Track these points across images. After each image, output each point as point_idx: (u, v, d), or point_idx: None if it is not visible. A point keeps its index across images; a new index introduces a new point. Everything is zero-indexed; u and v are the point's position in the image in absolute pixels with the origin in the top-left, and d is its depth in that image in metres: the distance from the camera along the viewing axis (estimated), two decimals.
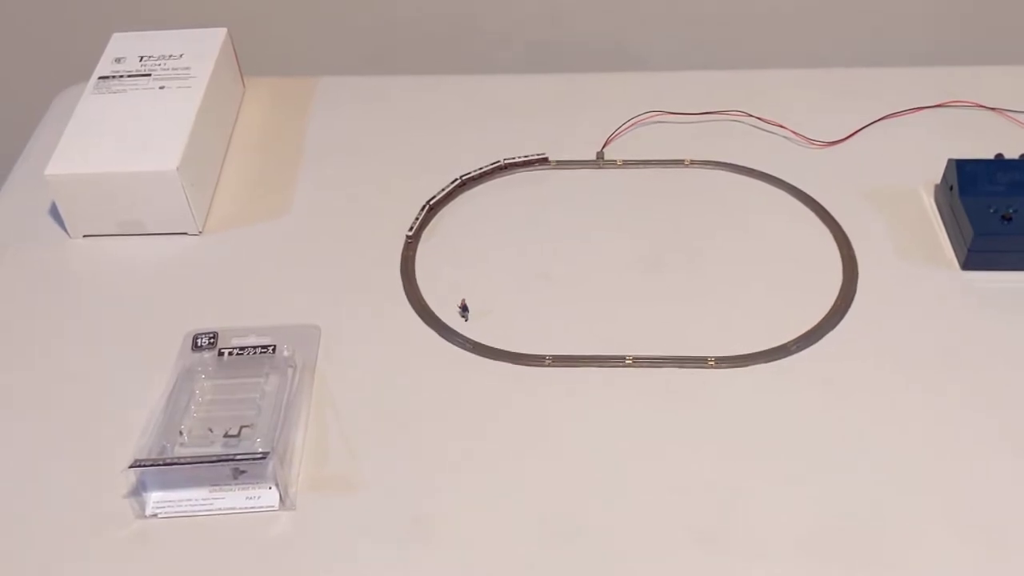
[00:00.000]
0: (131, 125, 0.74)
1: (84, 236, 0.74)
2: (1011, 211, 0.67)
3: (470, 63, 1.06)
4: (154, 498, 0.57)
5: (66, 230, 0.74)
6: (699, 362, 0.64)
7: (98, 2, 1.07)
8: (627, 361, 0.64)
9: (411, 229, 0.74)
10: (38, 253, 0.74)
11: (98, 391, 0.64)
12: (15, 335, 0.68)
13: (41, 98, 0.91)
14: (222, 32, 0.83)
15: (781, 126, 0.79)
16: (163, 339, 0.67)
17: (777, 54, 1.02)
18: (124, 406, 0.63)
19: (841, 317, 0.66)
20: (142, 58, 0.80)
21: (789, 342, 0.64)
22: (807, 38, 1.01)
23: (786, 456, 0.59)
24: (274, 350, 0.65)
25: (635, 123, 0.81)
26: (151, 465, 0.55)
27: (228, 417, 0.60)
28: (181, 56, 0.80)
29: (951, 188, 0.71)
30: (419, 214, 0.74)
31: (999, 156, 0.72)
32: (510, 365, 0.64)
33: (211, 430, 0.59)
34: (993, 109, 0.80)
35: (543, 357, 0.64)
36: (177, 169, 0.70)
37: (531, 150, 0.79)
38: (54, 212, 0.76)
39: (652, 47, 1.03)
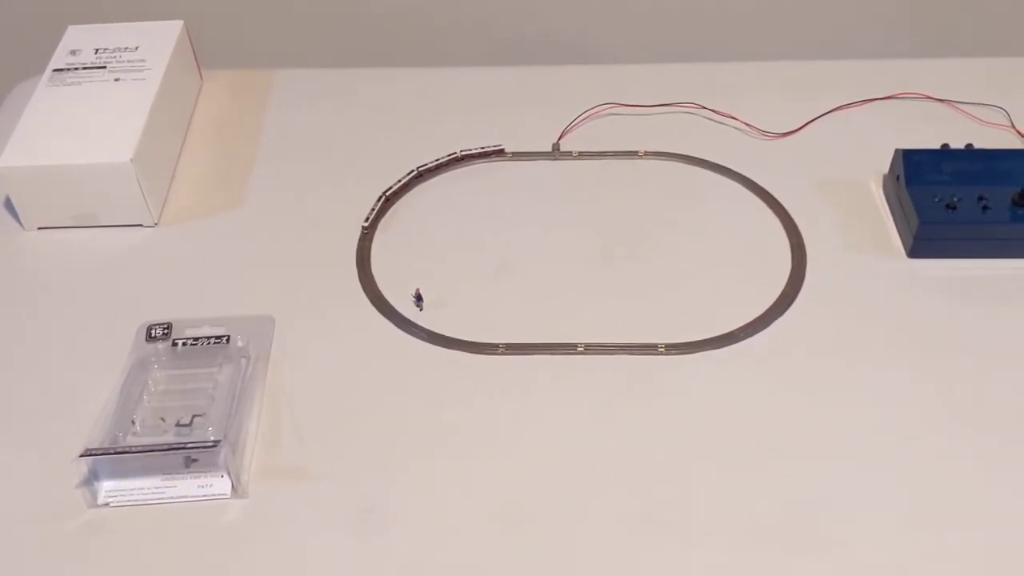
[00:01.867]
0: (85, 118, 0.74)
1: (39, 228, 0.74)
2: (956, 200, 0.69)
3: (427, 56, 1.06)
4: (106, 487, 0.57)
5: (20, 222, 0.74)
6: (649, 349, 0.64)
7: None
8: (579, 348, 0.65)
9: (367, 220, 0.74)
10: None
11: (51, 383, 0.64)
12: None
13: None
14: (178, 24, 0.83)
15: (733, 118, 0.81)
16: (117, 331, 0.67)
17: (730, 48, 1.03)
18: (77, 398, 0.63)
19: (789, 304, 0.67)
20: (97, 50, 0.80)
21: (737, 329, 0.65)
22: (760, 31, 1.03)
23: (735, 441, 0.59)
24: (228, 340, 0.65)
25: (590, 115, 0.82)
26: (102, 454, 0.56)
27: (181, 407, 0.60)
28: (137, 48, 0.80)
29: (898, 178, 0.72)
30: (375, 205, 0.75)
31: (945, 146, 0.73)
32: (464, 354, 0.65)
33: (163, 419, 0.59)
34: (942, 101, 0.82)
35: (496, 345, 0.65)
36: (131, 161, 0.70)
37: (488, 142, 0.80)
38: (8, 204, 0.76)
39: (607, 41, 1.04)
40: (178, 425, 0.59)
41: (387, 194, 0.76)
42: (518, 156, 0.79)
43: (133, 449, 0.56)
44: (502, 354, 0.65)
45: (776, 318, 0.66)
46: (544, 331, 0.66)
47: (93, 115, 0.74)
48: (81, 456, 0.56)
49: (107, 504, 0.57)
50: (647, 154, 0.79)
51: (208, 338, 0.65)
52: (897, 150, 0.73)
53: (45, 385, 0.64)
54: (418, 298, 0.68)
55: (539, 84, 0.86)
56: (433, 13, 1.03)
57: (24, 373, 0.65)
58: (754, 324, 0.66)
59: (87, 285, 0.70)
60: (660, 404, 0.62)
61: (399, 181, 0.77)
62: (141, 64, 0.78)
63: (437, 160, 0.78)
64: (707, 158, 0.78)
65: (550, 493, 0.57)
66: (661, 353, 0.64)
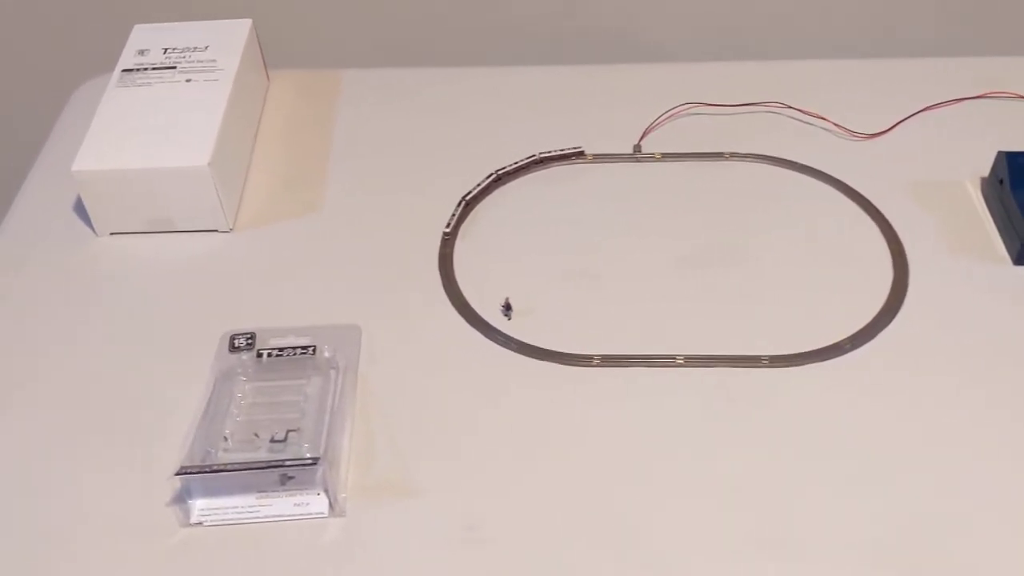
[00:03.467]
0: (158, 119, 0.72)
1: (111, 234, 0.72)
2: None
3: (485, 56, 1.03)
4: (199, 506, 0.55)
5: (92, 228, 0.72)
6: (752, 361, 0.62)
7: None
8: (678, 360, 0.62)
9: (448, 225, 0.72)
10: (64, 252, 0.71)
11: (133, 396, 0.62)
12: (43, 339, 0.66)
13: (58, 92, 0.89)
14: (247, 24, 0.81)
15: (822, 118, 0.78)
16: (198, 340, 0.65)
17: (807, 45, 1.00)
18: (160, 410, 0.61)
19: (894, 314, 0.65)
20: (166, 50, 0.78)
21: (843, 340, 0.63)
22: (838, 28, 1.00)
23: (844, 458, 0.57)
24: (314, 351, 0.63)
25: (672, 115, 0.79)
26: (199, 472, 0.54)
27: (272, 421, 0.58)
28: (206, 48, 0.78)
29: (1001, 182, 0.69)
30: (455, 210, 0.73)
31: None
32: (557, 365, 0.63)
33: (257, 435, 0.57)
34: None
35: (591, 357, 0.63)
36: (209, 164, 0.68)
37: (563, 143, 0.77)
38: (79, 209, 0.74)
39: (680, 39, 1.01)
40: (272, 441, 0.56)
41: (467, 199, 0.74)
42: (599, 158, 0.77)
43: (230, 467, 0.54)
44: (597, 366, 0.62)
45: (882, 328, 0.64)
46: (639, 342, 0.64)
47: (166, 117, 0.72)
48: (177, 474, 0.54)
49: (200, 523, 0.55)
50: (733, 156, 0.76)
51: (294, 348, 0.63)
52: (1000, 153, 0.70)
53: (126, 398, 0.62)
54: (507, 307, 0.66)
55: (615, 83, 0.83)
56: (500, 9, 1.01)
57: (103, 387, 0.63)
58: (860, 335, 0.63)
59: (164, 293, 0.68)
60: (766, 419, 0.59)
61: (479, 185, 0.74)
62: (212, 64, 0.76)
63: (516, 163, 0.76)
64: (796, 160, 0.75)
65: (654, 511, 0.55)
66: (765, 365, 0.62)
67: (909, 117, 0.78)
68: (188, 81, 0.75)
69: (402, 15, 1.01)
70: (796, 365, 0.62)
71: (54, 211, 0.74)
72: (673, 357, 0.62)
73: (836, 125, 0.77)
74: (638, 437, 0.59)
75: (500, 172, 0.76)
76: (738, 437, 0.58)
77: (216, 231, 0.72)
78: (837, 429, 0.58)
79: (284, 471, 0.54)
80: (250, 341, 0.64)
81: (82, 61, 1.00)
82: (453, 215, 0.72)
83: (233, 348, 0.64)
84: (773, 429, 0.59)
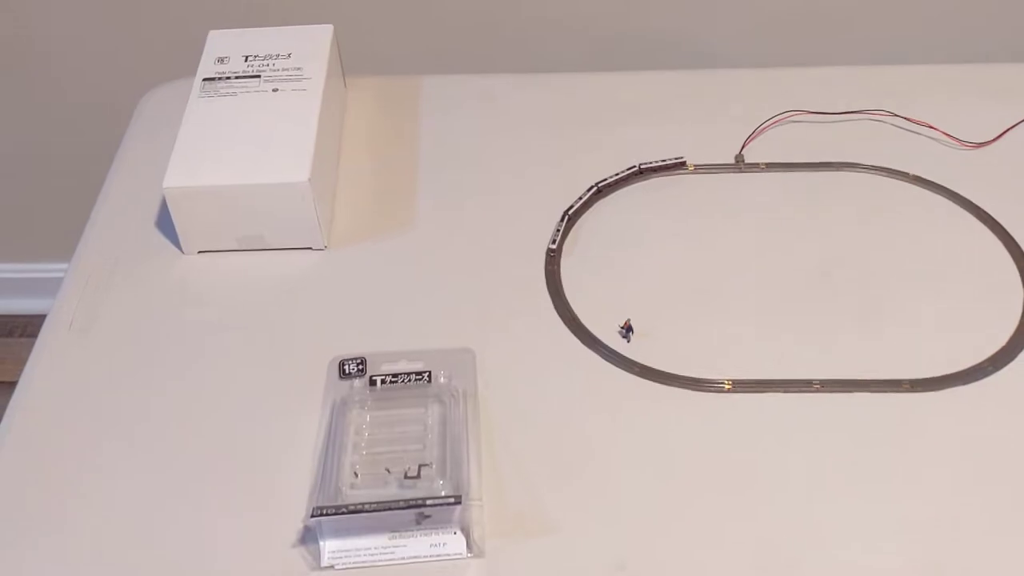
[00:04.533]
0: (248, 132, 0.68)
1: (199, 252, 0.69)
2: None
3: (569, 60, 1.00)
4: (330, 547, 0.52)
5: (178, 246, 0.69)
6: (893, 386, 0.59)
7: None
8: (815, 386, 0.59)
9: (553, 241, 0.69)
10: (151, 272, 0.68)
11: (242, 428, 0.59)
12: (138, 371, 0.62)
13: (120, 100, 0.85)
14: (328, 29, 0.77)
15: (929, 126, 0.75)
16: (303, 366, 0.62)
17: (911, 49, 0.97)
18: (273, 442, 0.58)
19: None
20: (247, 58, 0.74)
21: (983, 362, 0.60)
22: (940, 32, 0.97)
23: (1001, 485, 0.55)
24: (429, 377, 0.60)
25: (773, 123, 0.76)
26: (335, 513, 0.51)
27: (399, 454, 0.55)
28: (290, 55, 0.74)
29: None
30: (559, 225, 0.70)
31: None
32: (686, 391, 0.60)
33: (388, 470, 0.54)
34: None
35: (721, 382, 0.60)
36: (309, 180, 0.65)
37: (662, 152, 0.74)
38: (162, 226, 0.70)
39: (779, 44, 0.98)
40: (406, 477, 0.53)
41: (569, 213, 0.71)
42: (700, 169, 0.74)
43: (368, 507, 0.51)
44: (729, 392, 0.60)
45: (1022, 347, 0.61)
46: (769, 365, 0.61)
47: (256, 129, 0.68)
48: (313, 516, 0.50)
49: (332, 566, 0.52)
50: (842, 166, 0.73)
51: (408, 374, 0.60)
52: None
53: (235, 431, 0.59)
54: (628, 329, 0.63)
55: (712, 89, 0.80)
56: (588, 14, 0.97)
57: (209, 419, 0.60)
58: (1001, 355, 0.61)
59: (261, 315, 0.65)
60: (913, 447, 0.57)
61: (580, 199, 0.71)
62: (298, 73, 0.73)
63: (617, 174, 0.73)
64: (906, 170, 0.73)
65: (807, 548, 0.53)
66: (907, 390, 0.59)
67: (1019, 124, 0.75)
68: (275, 91, 0.71)
69: (478, 18, 0.98)
70: (939, 389, 0.59)
71: (135, 228, 0.71)
72: (809, 382, 0.60)
73: (944, 134, 0.75)
74: (778, 468, 0.56)
75: (600, 184, 0.73)
76: (885, 467, 0.56)
77: (310, 248, 0.69)
78: (991, 456, 0.56)
79: (423, 510, 0.51)
80: (361, 367, 0.61)
81: (145, 68, 0.97)
82: (557, 230, 0.69)
83: (344, 374, 0.60)
84: (922, 457, 0.56)
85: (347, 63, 0.82)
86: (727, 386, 0.60)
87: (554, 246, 0.69)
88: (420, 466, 0.54)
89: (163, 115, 0.76)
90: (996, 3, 0.97)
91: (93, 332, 0.64)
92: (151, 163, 0.71)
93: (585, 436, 0.58)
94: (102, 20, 1.03)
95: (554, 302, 0.65)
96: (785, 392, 0.59)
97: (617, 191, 0.73)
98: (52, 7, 1.04)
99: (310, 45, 0.75)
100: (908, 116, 0.76)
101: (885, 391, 0.59)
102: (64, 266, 0.71)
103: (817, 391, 0.59)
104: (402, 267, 0.68)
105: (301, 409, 0.59)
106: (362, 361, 0.61)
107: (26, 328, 1.31)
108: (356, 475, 0.54)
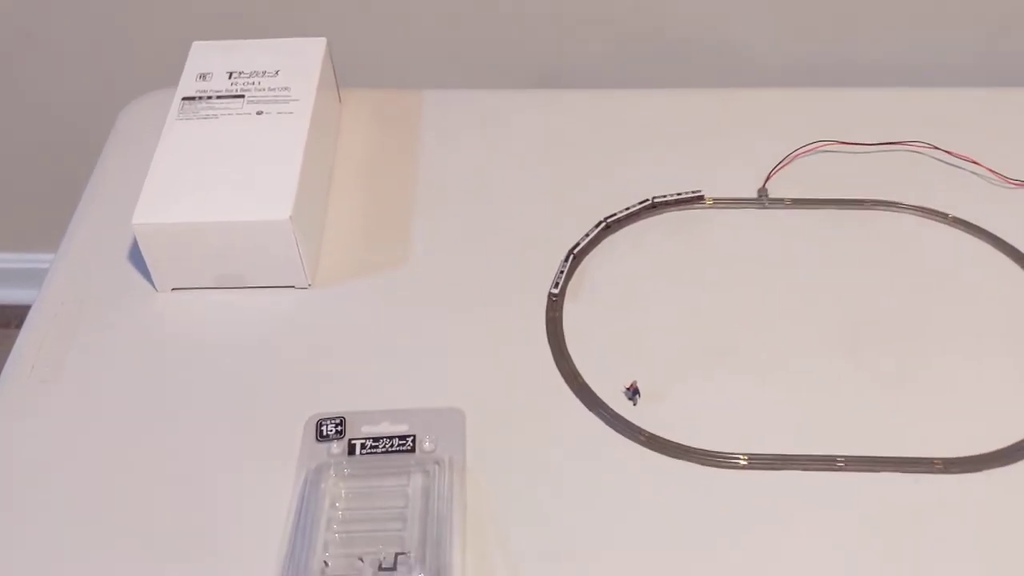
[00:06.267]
0: (228, 161, 0.63)
1: (173, 289, 0.64)
2: None
3: (579, 75, 0.93)
4: None
5: (152, 282, 0.64)
6: (924, 465, 0.54)
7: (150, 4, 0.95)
8: (839, 463, 0.54)
9: (555, 285, 0.63)
10: (120, 310, 0.63)
11: (206, 490, 0.54)
12: (102, 412, 0.58)
13: (101, 113, 0.80)
14: (321, 43, 0.71)
15: (974, 162, 0.69)
16: (278, 419, 0.57)
17: (954, 71, 0.90)
18: (240, 509, 0.53)
19: None
20: (232, 74, 0.69)
21: None
22: (982, 52, 0.90)
23: None
24: (413, 441, 0.55)
25: (801, 154, 0.70)
26: None
27: (373, 535, 0.50)
28: (277, 73, 0.68)
29: None
30: (562, 266, 0.64)
31: None
32: (696, 466, 0.54)
33: (361, 560, 0.49)
34: None
35: (737, 457, 0.54)
36: (290, 218, 0.60)
37: (678, 184, 0.69)
38: (134, 258, 0.65)
39: (810, 59, 0.90)
40: (380, 568, 0.48)
41: (574, 252, 0.65)
42: (720, 203, 0.68)
43: None
44: (745, 468, 0.54)
45: None
46: (790, 439, 0.55)
47: (236, 159, 0.63)
48: None
49: None
50: (875, 204, 0.67)
51: (390, 438, 0.55)
52: None
53: (197, 493, 0.54)
54: (634, 391, 0.57)
55: (732, 111, 0.74)
56: (595, 20, 0.91)
57: (171, 472, 0.55)
58: None
59: (238, 361, 0.60)
60: (943, 535, 0.51)
61: (587, 236, 0.66)
62: (285, 94, 0.67)
63: (628, 209, 0.67)
64: (947, 211, 0.66)
65: None
66: (939, 470, 0.53)
67: None
68: (259, 114, 0.66)
69: (481, 30, 0.92)
70: (975, 470, 0.53)
71: (105, 262, 0.66)
72: (833, 459, 0.54)
73: (989, 170, 0.68)
74: (797, 554, 0.51)
75: (609, 220, 0.67)
76: (913, 555, 0.50)
77: (293, 287, 0.64)
78: None
79: None
80: (339, 428, 0.56)
81: (127, 76, 0.91)
82: (561, 272, 0.64)
83: (321, 437, 0.55)
84: (955, 546, 0.50)
85: (345, 72, 0.76)
86: (743, 461, 0.54)
87: (556, 290, 0.63)
88: (397, 555, 0.49)
89: (142, 131, 0.71)
90: None
91: (56, 378, 0.60)
92: (126, 186, 0.66)
93: (583, 514, 0.53)
94: (82, 26, 0.97)
95: (554, 355, 0.60)
96: (805, 470, 0.54)
97: (627, 227, 0.67)
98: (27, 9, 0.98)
99: (300, 61, 0.70)
100: (949, 149, 0.69)
101: (916, 471, 0.53)
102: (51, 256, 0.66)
103: (841, 469, 0.54)
104: (390, 310, 0.63)
105: (273, 469, 0.54)
106: (341, 421, 0.56)
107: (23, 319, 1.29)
108: (326, 563, 0.49)
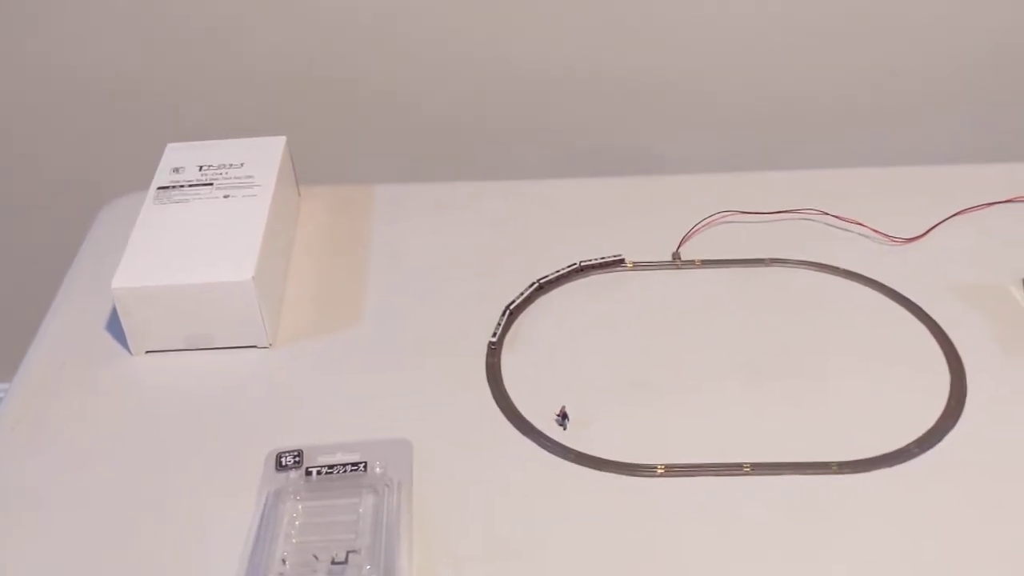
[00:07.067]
0: (198, 235, 0.71)
1: (147, 352, 0.70)
2: None
3: (514, 169, 1.04)
4: None
5: (127, 347, 0.70)
6: (822, 468, 0.60)
7: (128, 115, 1.05)
8: (745, 469, 0.60)
9: (494, 335, 0.70)
10: (98, 372, 0.69)
11: (178, 519, 0.59)
12: (84, 463, 0.63)
13: (84, 210, 0.88)
14: (281, 141, 0.81)
15: (858, 223, 0.78)
16: (243, 460, 0.62)
17: (838, 154, 1.02)
18: (208, 534, 0.58)
19: (957, 417, 0.63)
20: (202, 167, 0.77)
21: (910, 444, 0.61)
22: (868, 138, 1.02)
23: (928, 566, 0.55)
24: (365, 467, 0.60)
25: (708, 223, 0.79)
26: None
27: (328, 542, 0.55)
28: (242, 165, 0.77)
29: None
30: (500, 320, 0.71)
31: None
32: (619, 476, 0.61)
33: (316, 557, 0.54)
34: None
35: (654, 467, 0.61)
36: (252, 279, 0.67)
37: (603, 252, 0.77)
38: (111, 327, 0.72)
39: (714, 150, 1.02)
40: (333, 563, 0.54)
41: (511, 308, 0.73)
42: (639, 266, 0.77)
43: None
44: (662, 476, 0.60)
45: (947, 431, 0.62)
46: (702, 450, 0.62)
47: (205, 232, 0.71)
48: None
49: None
50: (774, 262, 0.76)
51: (343, 465, 0.61)
52: None
53: (171, 523, 0.59)
54: (563, 416, 0.64)
55: (650, 193, 0.83)
56: (531, 123, 1.02)
57: (145, 512, 0.60)
58: (926, 438, 0.62)
59: (205, 412, 0.66)
60: (842, 527, 0.57)
61: (521, 295, 0.74)
62: (250, 181, 0.76)
63: (557, 272, 0.75)
64: (837, 264, 0.75)
65: None
66: (835, 472, 0.60)
67: (943, 221, 0.78)
68: (226, 197, 0.74)
69: (427, 129, 1.03)
70: (866, 471, 0.60)
71: (86, 330, 0.73)
72: (740, 465, 0.61)
73: (874, 230, 0.78)
74: (709, 550, 0.56)
75: (542, 280, 0.75)
76: (813, 547, 0.56)
77: (255, 347, 0.70)
78: (917, 537, 0.56)
79: None
80: (297, 459, 0.61)
81: (106, 180, 1.00)
82: (499, 324, 0.71)
83: (280, 467, 0.61)
84: (850, 538, 0.57)
85: (309, 174, 0.86)
86: (660, 470, 0.61)
87: (495, 339, 0.70)
88: (348, 552, 0.54)
89: (120, 226, 0.79)
90: (918, 108, 1.02)
91: (37, 434, 0.65)
92: (106, 268, 0.73)
93: (519, 523, 0.58)
94: (65, 133, 1.06)
95: (493, 393, 0.67)
96: (716, 475, 0.60)
97: (558, 287, 0.75)
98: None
99: (263, 155, 0.79)
100: (838, 215, 0.79)
101: (814, 473, 0.60)
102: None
103: (747, 474, 0.60)
104: (345, 363, 0.70)
105: (239, 502, 0.60)
106: (299, 453, 0.62)
107: None
108: (284, 562, 0.54)
